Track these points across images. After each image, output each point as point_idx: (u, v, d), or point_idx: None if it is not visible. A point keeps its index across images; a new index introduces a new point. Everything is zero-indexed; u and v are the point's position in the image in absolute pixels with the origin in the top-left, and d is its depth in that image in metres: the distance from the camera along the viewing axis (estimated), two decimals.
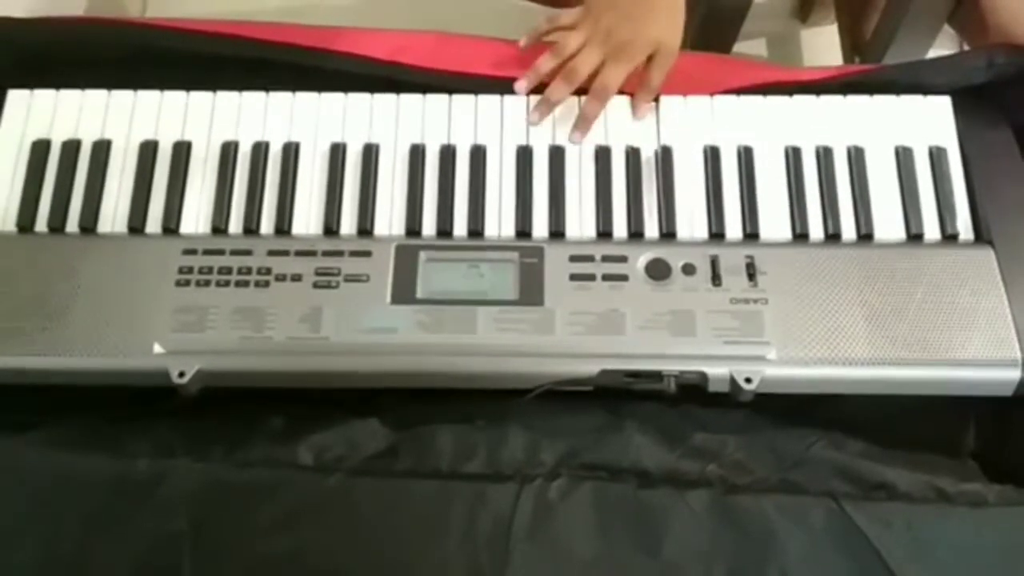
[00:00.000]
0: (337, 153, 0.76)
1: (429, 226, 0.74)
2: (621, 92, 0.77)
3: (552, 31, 0.79)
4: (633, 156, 0.76)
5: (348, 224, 0.74)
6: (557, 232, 0.73)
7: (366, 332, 0.68)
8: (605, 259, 0.71)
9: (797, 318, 0.68)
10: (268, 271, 0.70)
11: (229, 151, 0.76)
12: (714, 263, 0.71)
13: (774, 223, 0.74)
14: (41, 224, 0.74)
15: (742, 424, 0.69)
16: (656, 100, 0.78)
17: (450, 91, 0.79)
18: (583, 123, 0.77)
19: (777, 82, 0.80)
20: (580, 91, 0.78)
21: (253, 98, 0.78)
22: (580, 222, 0.74)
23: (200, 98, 0.78)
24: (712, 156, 0.76)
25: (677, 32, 0.77)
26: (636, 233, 0.73)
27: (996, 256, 0.71)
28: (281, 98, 0.78)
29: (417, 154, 0.76)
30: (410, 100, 0.78)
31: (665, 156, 0.76)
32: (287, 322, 0.68)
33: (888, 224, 0.74)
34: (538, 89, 0.79)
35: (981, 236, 0.73)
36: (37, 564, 0.60)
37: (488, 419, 0.67)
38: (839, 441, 0.68)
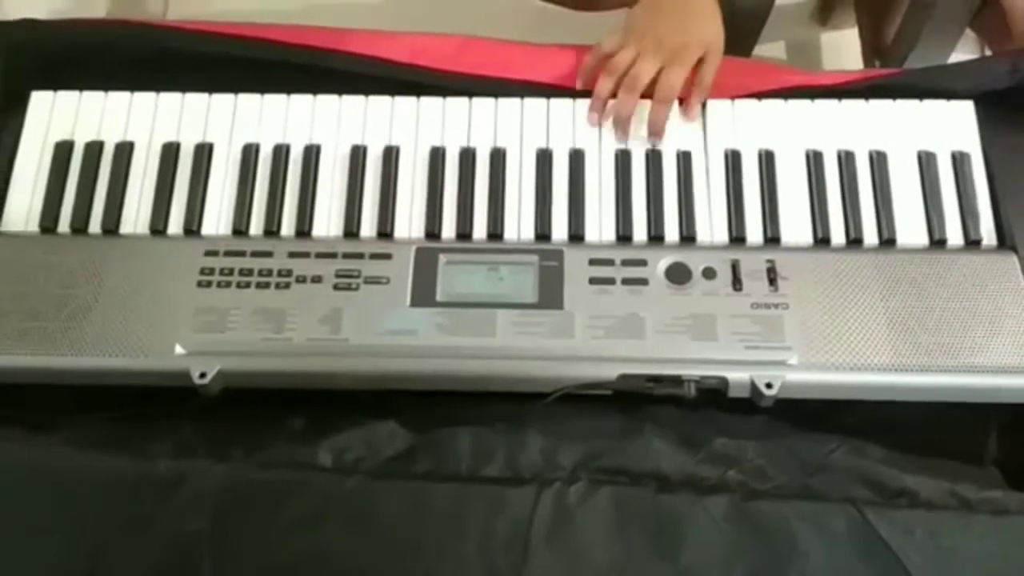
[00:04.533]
0: (357, 155, 0.76)
1: (449, 229, 0.74)
2: (645, 96, 0.77)
3: (600, 63, 0.78)
4: (653, 159, 0.76)
5: (368, 226, 0.74)
6: (577, 235, 0.73)
7: (386, 334, 0.68)
8: (625, 263, 0.71)
9: (819, 323, 0.68)
10: (289, 273, 0.70)
11: (250, 153, 0.76)
12: (735, 267, 0.70)
13: (795, 227, 0.73)
14: (64, 225, 0.75)
15: (762, 430, 0.68)
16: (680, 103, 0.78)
17: (470, 94, 0.79)
18: (655, 129, 0.76)
19: (798, 86, 0.79)
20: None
21: (274, 100, 0.79)
22: (600, 225, 0.74)
23: (222, 100, 0.79)
24: (733, 160, 0.76)
25: (720, 32, 0.78)
26: (656, 237, 0.73)
27: (1020, 262, 0.71)
28: (302, 100, 0.79)
29: (437, 157, 0.76)
30: (430, 103, 0.79)
31: (685, 160, 0.76)
32: (307, 323, 0.68)
33: (911, 229, 0.73)
34: (558, 93, 0.79)
35: (1004, 242, 0.73)
36: (58, 564, 0.61)
37: (507, 422, 0.66)
38: (860, 448, 0.67)
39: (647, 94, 0.76)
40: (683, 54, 0.76)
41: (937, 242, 0.73)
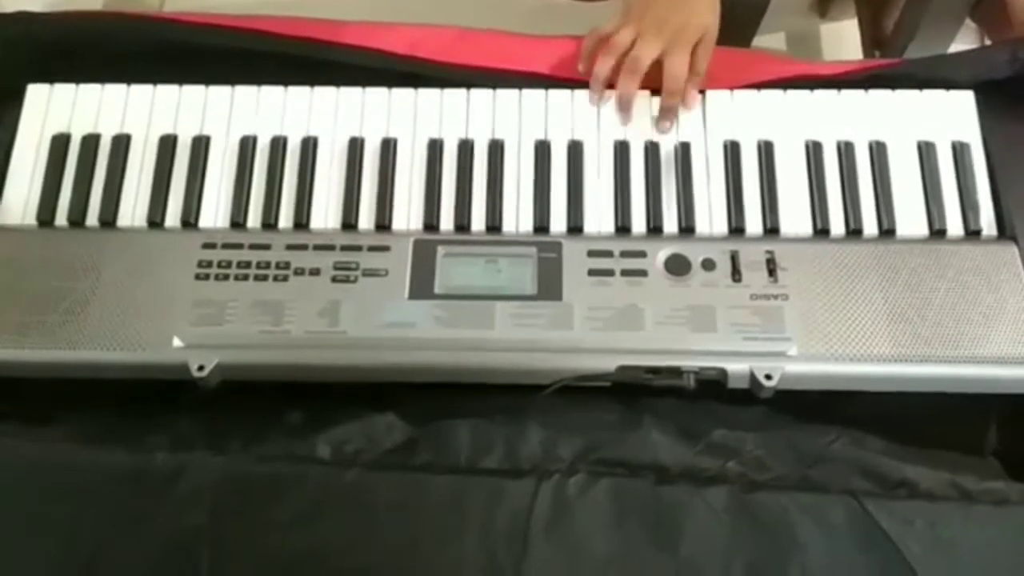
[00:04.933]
0: (355, 147, 0.76)
1: (447, 221, 0.74)
2: (643, 86, 0.76)
3: (600, 45, 0.78)
4: (652, 150, 0.76)
5: (366, 219, 0.74)
6: (575, 227, 0.73)
7: (384, 327, 0.68)
8: (624, 254, 0.71)
9: (818, 314, 0.68)
10: (287, 265, 0.70)
11: (248, 145, 0.76)
12: (734, 258, 0.70)
13: (795, 218, 0.73)
14: (61, 218, 0.75)
15: (762, 421, 0.68)
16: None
17: (468, 85, 0.78)
18: (667, 116, 0.76)
19: (798, 76, 0.79)
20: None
21: (271, 92, 0.78)
22: (598, 217, 0.74)
23: (219, 92, 0.78)
24: (732, 151, 0.75)
25: (717, 18, 0.78)
26: (655, 228, 0.73)
27: (1020, 252, 0.70)
28: (299, 93, 0.78)
29: (435, 149, 0.76)
30: (428, 95, 0.78)
31: (684, 151, 0.76)
32: (305, 316, 0.68)
33: (910, 220, 0.73)
34: (556, 84, 0.79)
35: (1004, 232, 0.73)
36: (57, 558, 0.60)
37: (506, 414, 0.66)
38: (860, 438, 0.67)
39: (647, 80, 0.76)
40: (683, 36, 0.76)
41: (937, 232, 0.73)
